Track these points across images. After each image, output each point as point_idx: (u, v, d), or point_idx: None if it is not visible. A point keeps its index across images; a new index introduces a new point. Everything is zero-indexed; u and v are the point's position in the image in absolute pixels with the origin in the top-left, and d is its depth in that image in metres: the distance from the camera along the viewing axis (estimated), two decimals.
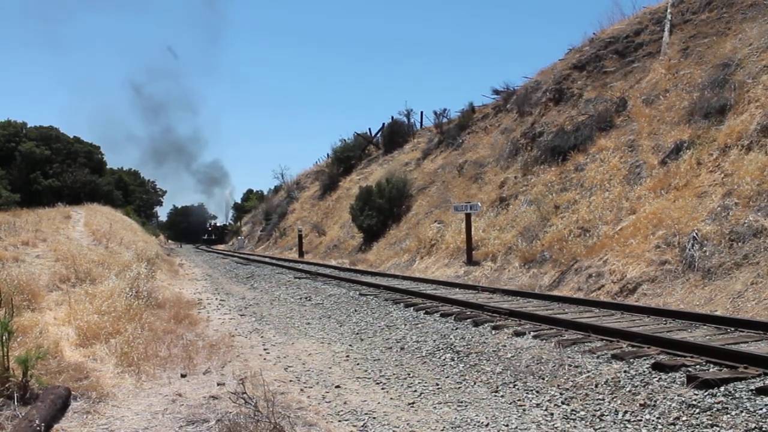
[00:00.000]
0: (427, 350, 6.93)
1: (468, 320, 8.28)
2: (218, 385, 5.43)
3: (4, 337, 4.61)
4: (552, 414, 4.58)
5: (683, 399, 4.57)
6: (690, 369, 5.22)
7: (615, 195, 13.24)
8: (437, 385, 5.53)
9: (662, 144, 13.37)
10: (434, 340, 7.34)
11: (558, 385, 5.26)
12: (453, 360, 6.44)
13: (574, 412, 4.57)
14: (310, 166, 48.08)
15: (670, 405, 4.51)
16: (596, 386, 5.13)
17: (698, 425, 4.13)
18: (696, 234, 9.82)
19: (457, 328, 7.92)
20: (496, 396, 5.14)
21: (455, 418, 4.58)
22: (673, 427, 4.17)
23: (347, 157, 37.16)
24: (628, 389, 4.97)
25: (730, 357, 5.31)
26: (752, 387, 4.62)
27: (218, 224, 76.18)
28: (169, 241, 54.29)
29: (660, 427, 4.19)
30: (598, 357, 5.95)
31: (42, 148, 44.07)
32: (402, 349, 7.10)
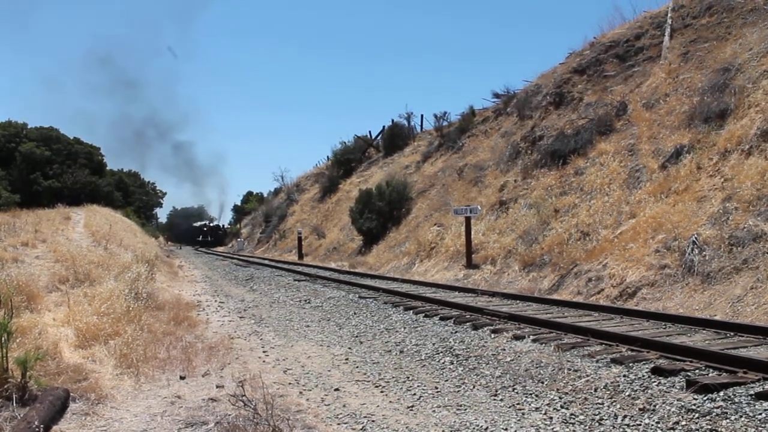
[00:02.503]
0: (427, 353, 6.92)
1: (467, 324, 8.27)
2: (217, 387, 5.43)
3: (3, 338, 4.61)
4: (551, 418, 4.58)
5: (682, 404, 4.57)
6: (689, 373, 5.22)
7: (615, 199, 13.25)
8: (436, 388, 5.53)
9: (662, 148, 13.39)
10: (433, 344, 7.33)
11: (557, 389, 5.25)
12: (452, 363, 6.43)
13: (573, 417, 4.56)
14: (310, 169, 48.16)
15: (669, 410, 4.51)
16: (595, 390, 5.13)
17: (697, 430, 4.12)
18: (696, 238, 9.82)
19: (456, 332, 7.91)
20: (495, 400, 5.14)
21: (454, 421, 4.58)
22: (672, 431, 4.16)
23: (347, 160, 37.18)
24: (627, 393, 4.97)
25: (729, 362, 5.31)
26: (752, 392, 4.62)
27: (215, 224, 69.92)
28: (169, 242, 54.26)
29: (659, 431, 4.18)
30: (597, 361, 5.95)
31: (42, 149, 44.12)
32: (401, 352, 7.10)
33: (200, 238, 64.42)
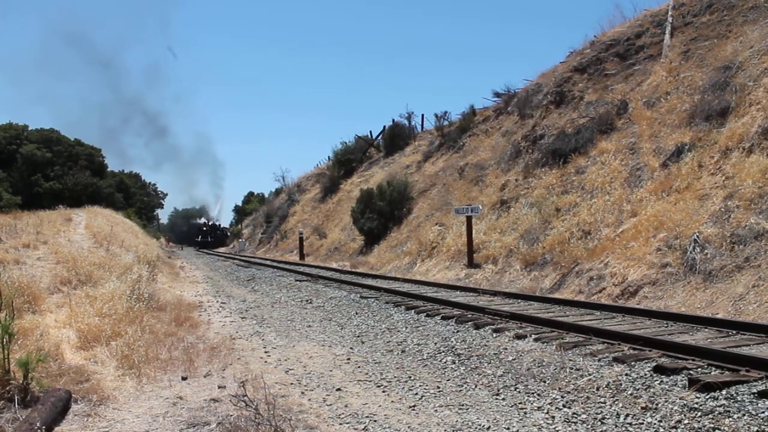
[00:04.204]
0: (428, 353, 6.92)
1: (469, 323, 8.27)
2: (219, 387, 5.43)
3: (4, 340, 4.61)
4: (553, 417, 4.57)
5: (685, 402, 4.56)
6: (692, 372, 5.21)
7: (616, 197, 13.23)
8: (438, 388, 5.52)
9: (663, 146, 13.37)
10: (435, 343, 7.33)
11: (559, 388, 5.25)
12: (454, 363, 6.43)
13: (575, 416, 4.56)
14: (311, 169, 48.20)
15: (671, 408, 4.50)
16: (598, 389, 5.12)
17: (700, 429, 4.11)
18: (697, 236, 9.81)
19: (458, 331, 7.91)
20: (497, 399, 5.13)
21: (456, 421, 4.57)
22: (674, 430, 4.15)
23: (348, 160, 37.19)
24: (629, 392, 4.96)
25: (731, 360, 5.30)
26: (754, 390, 4.61)
27: (213, 223, 65.80)
28: (170, 243, 54.27)
29: (662, 430, 4.18)
30: (599, 360, 5.94)
31: (43, 151, 44.12)
32: (403, 351, 7.10)
33: (199, 239, 60.85)
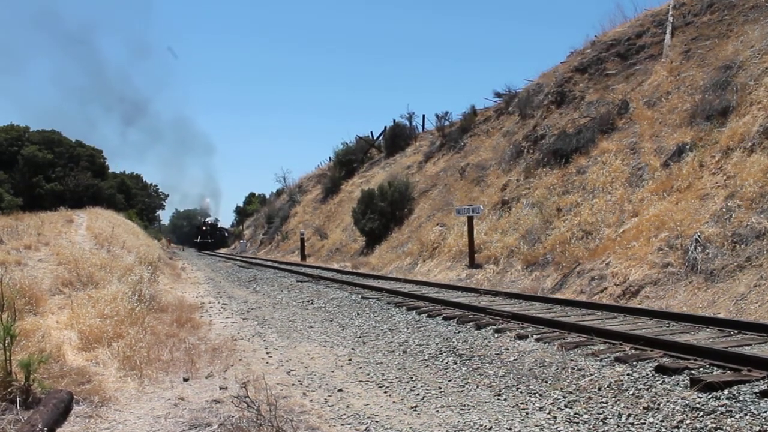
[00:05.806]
0: (430, 353, 6.92)
1: (470, 323, 8.26)
2: (221, 389, 5.43)
3: (6, 341, 4.62)
4: (555, 417, 4.57)
5: (687, 402, 4.55)
6: (693, 372, 5.20)
7: (617, 197, 13.22)
8: (440, 388, 5.52)
9: (664, 146, 13.36)
10: (437, 344, 7.33)
11: (561, 389, 5.24)
12: (455, 363, 6.43)
13: (577, 416, 4.56)
14: (312, 170, 48.23)
15: (673, 408, 4.50)
16: (599, 389, 5.12)
17: (702, 428, 4.11)
18: (698, 236, 9.80)
19: (459, 332, 7.90)
20: (498, 399, 5.13)
21: (458, 421, 4.57)
22: (676, 430, 4.15)
23: (349, 161, 37.21)
24: (631, 392, 4.96)
25: (733, 360, 5.29)
26: (756, 390, 4.60)
27: (212, 222, 61.72)
28: (172, 244, 54.24)
29: (663, 430, 4.17)
30: (601, 360, 5.94)
31: (44, 152, 44.20)
32: (404, 352, 7.09)
33: (198, 239, 56.85)
